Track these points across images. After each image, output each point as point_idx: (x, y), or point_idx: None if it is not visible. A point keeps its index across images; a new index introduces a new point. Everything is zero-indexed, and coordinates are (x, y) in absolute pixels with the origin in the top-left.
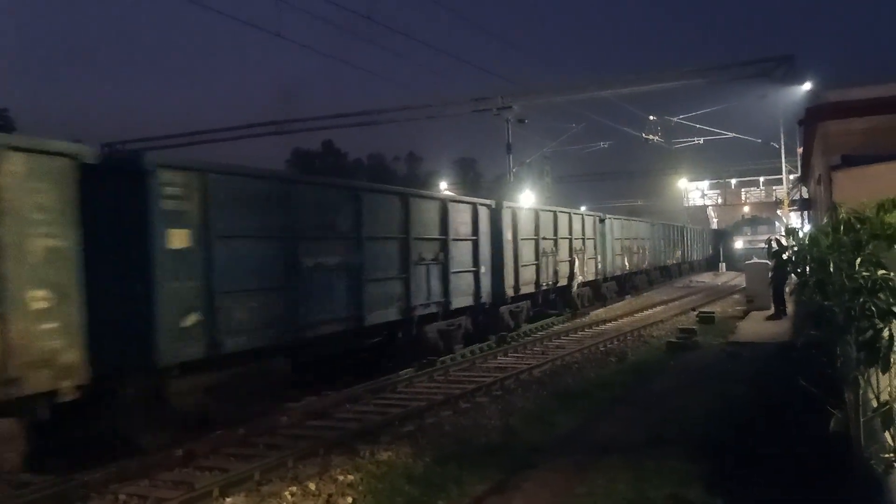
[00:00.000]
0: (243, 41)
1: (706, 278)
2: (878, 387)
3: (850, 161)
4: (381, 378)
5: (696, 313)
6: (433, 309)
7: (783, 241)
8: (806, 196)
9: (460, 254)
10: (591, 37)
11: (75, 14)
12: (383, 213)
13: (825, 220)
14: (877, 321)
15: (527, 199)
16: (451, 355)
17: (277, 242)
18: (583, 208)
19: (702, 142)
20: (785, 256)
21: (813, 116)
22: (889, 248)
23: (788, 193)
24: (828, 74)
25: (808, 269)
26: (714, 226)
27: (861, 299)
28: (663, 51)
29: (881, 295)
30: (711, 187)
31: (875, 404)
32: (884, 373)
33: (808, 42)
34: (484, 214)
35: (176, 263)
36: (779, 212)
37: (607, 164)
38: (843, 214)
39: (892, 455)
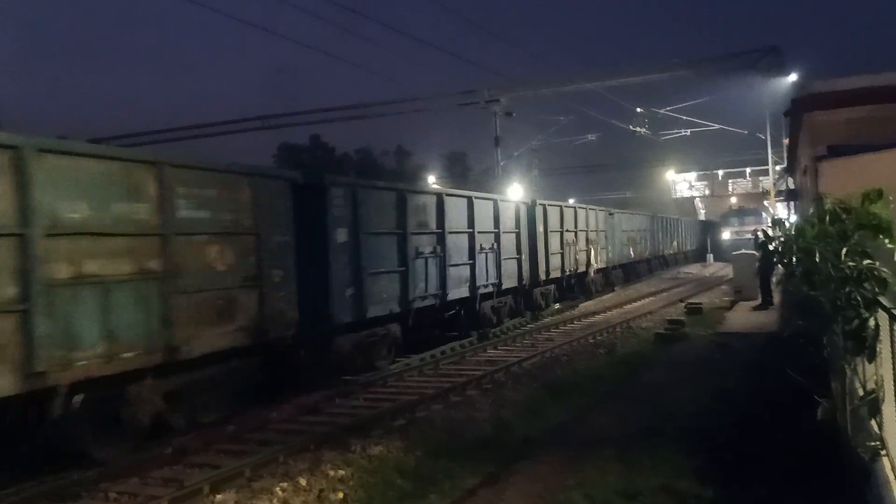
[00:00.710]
0: (229, 35)
1: (694, 269)
2: (864, 376)
3: (836, 151)
4: (372, 372)
5: (684, 304)
6: (490, 289)
7: (769, 232)
8: (792, 187)
9: (509, 243)
10: (578, 28)
11: (60, 7)
12: (457, 211)
13: (811, 211)
14: (862, 311)
15: (515, 192)
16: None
17: (395, 237)
18: (571, 201)
19: (689, 133)
20: (771, 247)
21: (799, 107)
22: (874, 238)
23: (775, 184)
24: (814, 65)
25: (794, 259)
26: (702, 217)
27: (847, 289)
28: (650, 42)
29: (867, 285)
30: (699, 179)
31: (861, 393)
32: (870, 362)
33: (794, 33)
34: (522, 211)
35: (341, 253)
36: (766, 203)
37: (595, 156)
38: (828, 205)
39: (877, 443)
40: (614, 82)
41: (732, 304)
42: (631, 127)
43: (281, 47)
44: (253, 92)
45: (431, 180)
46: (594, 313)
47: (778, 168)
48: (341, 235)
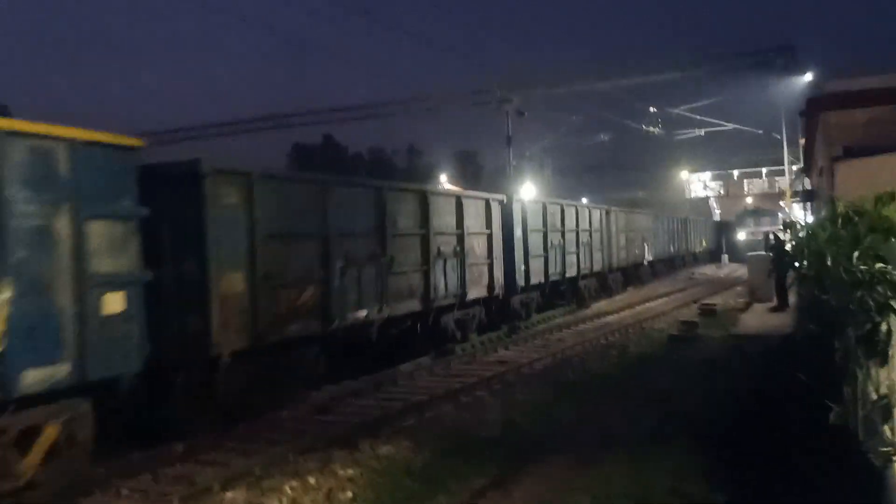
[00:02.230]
0: (240, 35)
1: (708, 270)
2: (876, 380)
3: (851, 152)
4: (385, 371)
5: (697, 306)
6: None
7: (782, 234)
8: (809, 187)
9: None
10: (591, 28)
11: (65, 7)
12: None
13: (823, 213)
14: (875, 315)
15: (527, 191)
16: (464, 344)
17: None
18: (584, 200)
19: (703, 133)
20: (785, 248)
21: (814, 107)
22: (886, 241)
23: (791, 185)
24: (829, 65)
25: (806, 262)
26: (716, 217)
27: (859, 293)
28: (663, 42)
29: (879, 288)
30: (714, 179)
31: (874, 397)
32: (882, 366)
33: (809, 32)
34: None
35: (509, 243)
36: (781, 203)
37: (608, 156)
38: (841, 208)
39: (890, 448)
40: (627, 82)
41: (747, 305)
42: (644, 127)
43: (292, 47)
44: (264, 92)
45: (443, 179)
46: (607, 313)
47: (794, 168)
48: (520, 231)
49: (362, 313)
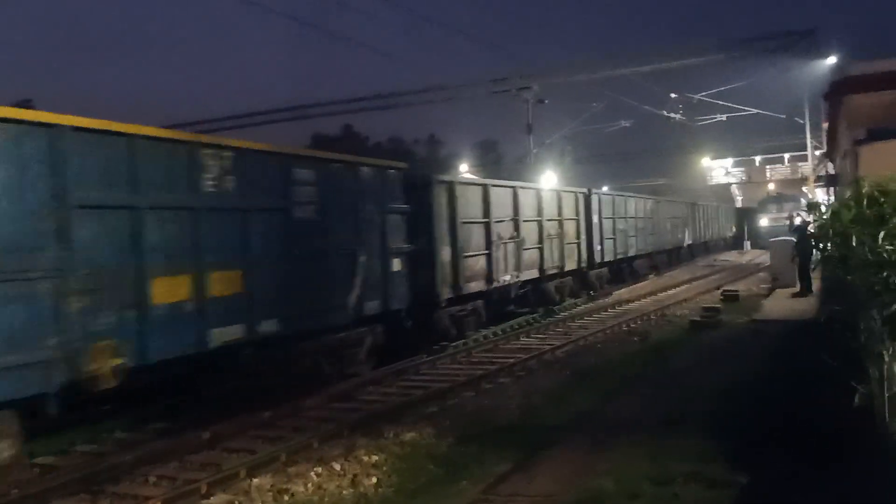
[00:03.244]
0: (253, 25)
1: (731, 257)
2: None
3: (875, 135)
4: (405, 360)
5: (720, 292)
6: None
7: (805, 216)
8: (832, 172)
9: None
10: (610, 13)
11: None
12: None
13: (848, 194)
14: None
15: (548, 179)
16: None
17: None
18: (604, 188)
19: (725, 119)
20: (808, 231)
21: (837, 90)
22: None
23: (814, 169)
24: (852, 47)
25: (830, 243)
26: (739, 204)
27: (884, 273)
28: (683, 26)
29: None
30: (735, 165)
31: None
32: None
33: (832, 14)
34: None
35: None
36: (804, 188)
37: (629, 143)
38: (866, 188)
39: None
40: (648, 68)
41: (770, 291)
42: (665, 113)
43: (309, 37)
44: (283, 82)
45: (464, 169)
46: (628, 301)
47: (817, 153)
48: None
49: (507, 277)
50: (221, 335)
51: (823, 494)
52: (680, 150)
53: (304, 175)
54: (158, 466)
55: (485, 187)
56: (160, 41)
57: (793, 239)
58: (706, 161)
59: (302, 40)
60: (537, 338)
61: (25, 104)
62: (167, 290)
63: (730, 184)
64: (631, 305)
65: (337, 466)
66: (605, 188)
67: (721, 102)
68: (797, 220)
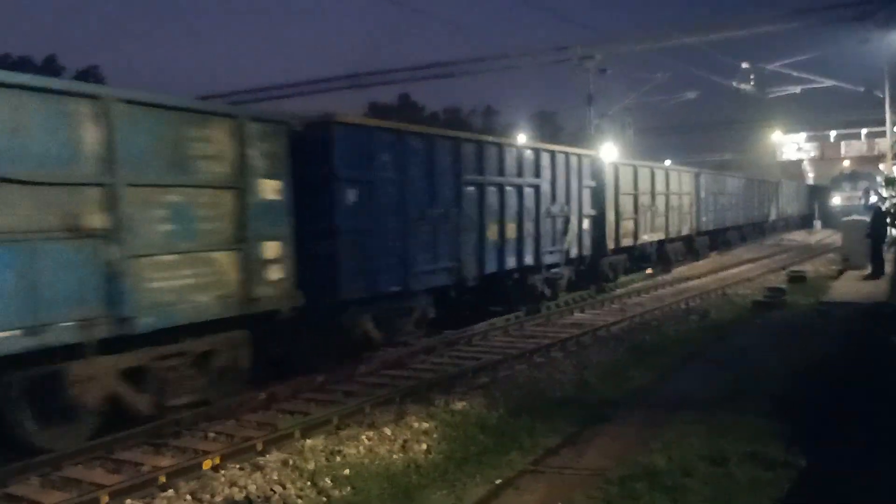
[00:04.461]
0: None
1: (799, 236)
2: None
3: None
4: (458, 330)
5: (786, 272)
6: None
7: (882, 193)
8: None
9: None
10: None
11: None
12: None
13: None
14: None
15: (608, 152)
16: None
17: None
18: (667, 162)
19: (798, 91)
20: (884, 208)
21: None
22: None
23: (893, 145)
24: None
25: None
26: (810, 181)
27: None
28: None
29: None
30: (808, 140)
31: None
32: None
33: None
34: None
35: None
36: (881, 166)
37: (694, 115)
38: None
39: None
40: (716, 36)
41: (840, 273)
42: (734, 84)
43: (369, 5)
44: (342, 51)
45: (522, 139)
46: (688, 279)
47: None
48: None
49: (646, 237)
50: (508, 262)
51: (886, 483)
52: (749, 124)
53: (546, 160)
54: (216, 423)
55: (634, 167)
56: (210, 9)
57: (866, 219)
58: (776, 136)
59: (364, 9)
60: (592, 313)
61: (93, 70)
62: (490, 233)
63: (801, 160)
64: (691, 283)
65: (388, 431)
66: (667, 162)
67: (795, 73)
68: (872, 198)
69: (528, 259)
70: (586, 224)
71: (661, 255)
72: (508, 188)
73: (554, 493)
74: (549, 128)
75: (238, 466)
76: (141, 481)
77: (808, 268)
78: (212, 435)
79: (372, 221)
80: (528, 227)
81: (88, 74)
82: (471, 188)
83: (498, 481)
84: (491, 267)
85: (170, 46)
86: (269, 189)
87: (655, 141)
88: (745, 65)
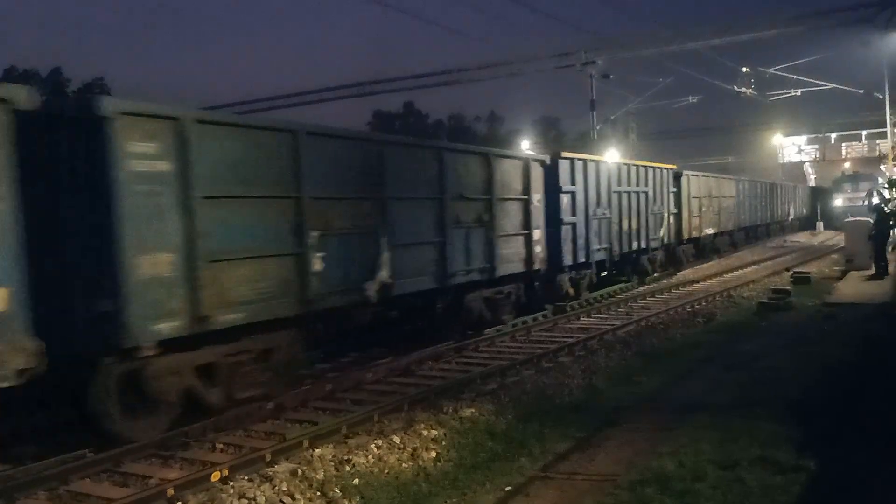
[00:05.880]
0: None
1: (802, 238)
2: None
3: None
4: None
5: (790, 274)
6: (712, 231)
7: (886, 194)
8: None
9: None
10: None
11: None
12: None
13: None
14: None
15: (611, 156)
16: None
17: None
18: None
19: (799, 94)
20: (887, 210)
21: None
22: None
23: (893, 147)
24: None
25: None
26: (811, 183)
27: None
28: None
29: None
30: (809, 142)
31: None
32: None
33: None
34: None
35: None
36: (882, 168)
37: (696, 119)
38: None
39: None
40: (718, 41)
41: (843, 273)
42: (735, 88)
43: (372, 13)
44: (345, 59)
45: (525, 146)
46: (693, 282)
47: None
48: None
49: (709, 230)
50: (633, 245)
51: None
52: (750, 127)
53: (649, 173)
54: (225, 434)
55: (698, 176)
56: (216, 19)
57: (868, 220)
58: (778, 138)
59: (367, 17)
60: (599, 317)
61: (98, 82)
62: (624, 225)
63: (802, 162)
64: (695, 286)
65: (397, 439)
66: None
67: (795, 77)
68: (875, 199)
69: (643, 243)
70: (672, 220)
71: (712, 247)
72: (633, 194)
73: (564, 499)
74: (553, 133)
75: (247, 478)
76: (148, 495)
77: (812, 269)
78: (220, 446)
79: (574, 217)
80: (642, 221)
81: (94, 86)
82: (614, 195)
83: (508, 488)
84: (625, 248)
85: (175, 57)
86: (536, 199)
87: (658, 145)
88: (745, 69)
